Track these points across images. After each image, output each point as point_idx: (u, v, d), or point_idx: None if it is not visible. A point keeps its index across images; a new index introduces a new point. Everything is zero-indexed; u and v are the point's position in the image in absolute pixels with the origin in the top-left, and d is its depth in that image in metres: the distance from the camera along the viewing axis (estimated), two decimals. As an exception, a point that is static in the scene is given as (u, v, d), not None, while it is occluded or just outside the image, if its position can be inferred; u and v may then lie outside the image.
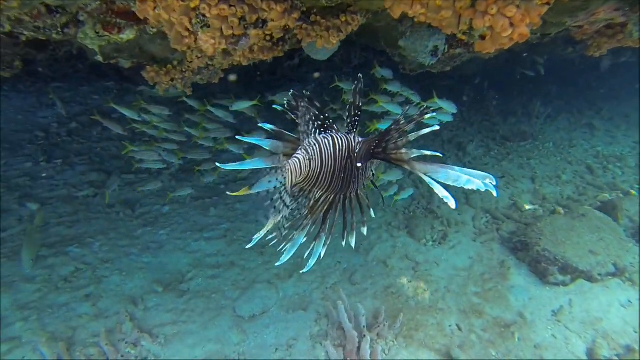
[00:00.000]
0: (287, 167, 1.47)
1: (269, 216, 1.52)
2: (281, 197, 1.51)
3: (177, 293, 3.64)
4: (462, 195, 5.05)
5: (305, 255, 1.61)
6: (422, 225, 4.50)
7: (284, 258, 1.60)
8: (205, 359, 3.06)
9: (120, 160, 5.34)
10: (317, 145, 1.54)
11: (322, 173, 1.57)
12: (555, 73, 8.19)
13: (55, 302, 3.39)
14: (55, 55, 4.83)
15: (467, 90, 7.87)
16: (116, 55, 2.80)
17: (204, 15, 1.89)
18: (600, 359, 3.06)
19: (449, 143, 6.63)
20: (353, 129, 1.67)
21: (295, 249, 1.63)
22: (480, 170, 1.26)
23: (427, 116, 1.39)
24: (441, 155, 1.32)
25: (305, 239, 1.65)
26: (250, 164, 1.49)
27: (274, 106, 1.68)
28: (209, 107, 4.47)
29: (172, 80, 2.97)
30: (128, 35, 2.44)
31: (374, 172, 1.75)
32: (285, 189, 1.50)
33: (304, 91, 1.59)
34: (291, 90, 1.59)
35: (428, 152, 1.32)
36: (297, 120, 1.56)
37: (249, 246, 1.59)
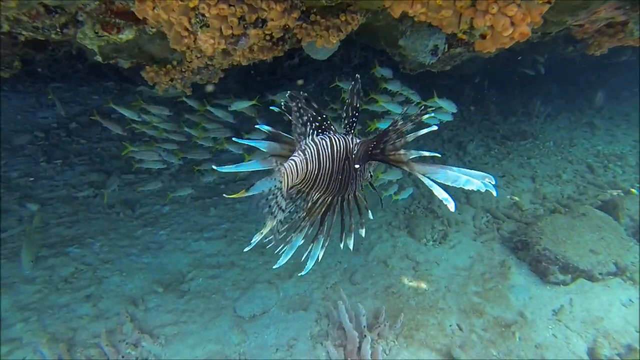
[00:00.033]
0: (282, 171, 1.46)
1: (265, 219, 1.51)
2: (276, 201, 1.50)
3: (178, 293, 3.63)
4: (462, 194, 5.04)
5: (303, 258, 1.60)
6: (422, 224, 4.49)
7: (282, 261, 1.59)
8: (206, 359, 3.06)
9: (120, 161, 5.34)
10: (314, 147, 1.53)
11: (319, 175, 1.56)
12: (556, 72, 8.18)
13: (55, 303, 3.39)
14: (55, 56, 4.82)
15: (467, 90, 7.86)
16: (115, 55, 2.80)
17: (203, 15, 1.89)
18: (601, 358, 3.05)
19: (449, 142, 6.62)
20: (351, 130, 1.66)
21: (293, 252, 1.62)
22: (480, 170, 1.25)
23: (425, 116, 1.38)
24: (440, 156, 1.32)
25: (303, 241, 1.64)
26: (246, 167, 1.48)
27: (271, 107, 1.67)
28: (208, 107, 4.47)
29: (171, 80, 2.96)
30: (127, 35, 2.43)
31: (372, 173, 1.74)
32: (280, 192, 1.49)
33: (301, 92, 1.58)
34: (288, 92, 1.58)
35: (427, 153, 1.31)
36: (293, 122, 1.54)
37: (247, 249, 1.59)
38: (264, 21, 2.04)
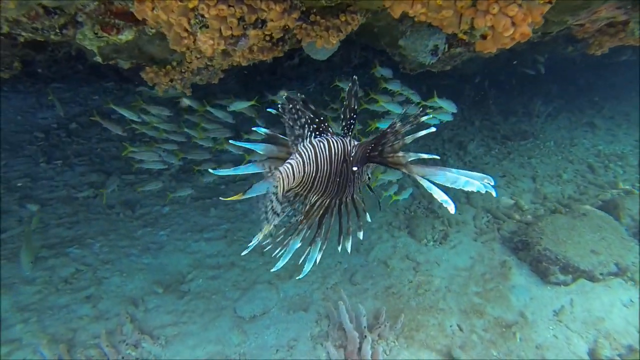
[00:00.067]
0: (277, 175, 1.45)
1: (261, 223, 1.50)
2: (272, 205, 1.49)
3: (178, 294, 3.63)
4: (462, 194, 5.03)
5: (301, 261, 1.59)
6: (422, 225, 4.48)
7: (280, 264, 1.59)
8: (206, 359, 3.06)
9: (120, 161, 5.33)
10: (312, 149, 1.52)
11: (317, 177, 1.55)
12: (556, 72, 8.16)
13: (55, 303, 3.39)
14: (55, 56, 4.82)
15: (467, 90, 7.85)
16: (115, 56, 2.79)
17: (202, 16, 1.88)
18: (602, 359, 3.05)
19: (450, 142, 6.61)
20: (349, 132, 1.65)
21: (290, 255, 1.61)
22: (481, 169, 1.25)
23: (424, 118, 1.37)
24: (438, 158, 1.31)
25: (300, 244, 1.63)
26: (243, 170, 1.47)
27: (267, 109, 1.66)
28: (208, 108, 4.46)
29: (171, 80, 2.95)
30: (127, 36, 2.43)
31: (369, 175, 1.73)
32: (276, 196, 1.47)
33: (298, 94, 1.57)
34: (285, 93, 1.57)
35: (426, 155, 1.30)
36: (287, 124, 1.53)
37: (244, 253, 1.58)
38: (264, 22, 2.04)
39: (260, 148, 1.57)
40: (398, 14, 2.02)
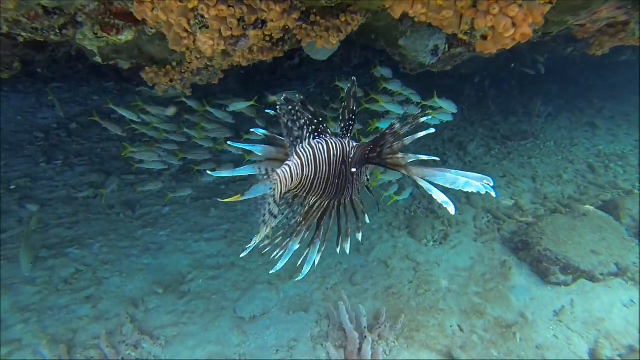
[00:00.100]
0: (274, 177, 1.44)
1: (259, 226, 1.50)
2: (269, 208, 1.48)
3: (178, 294, 3.63)
4: (463, 194, 5.03)
5: (299, 263, 1.59)
6: (422, 225, 4.48)
7: (278, 266, 1.58)
8: (206, 360, 3.06)
9: (120, 161, 5.33)
10: (310, 151, 1.51)
11: (316, 179, 1.54)
12: (556, 72, 8.16)
13: (55, 304, 3.38)
14: (55, 56, 4.82)
15: (467, 90, 7.85)
16: (115, 56, 2.79)
17: (202, 16, 1.88)
18: (603, 359, 3.04)
19: (450, 142, 6.61)
20: (347, 133, 1.64)
21: (289, 257, 1.60)
22: (481, 170, 1.25)
23: (422, 119, 1.37)
24: (438, 159, 1.30)
25: (299, 246, 1.63)
26: (241, 172, 1.47)
27: (266, 110, 1.66)
28: (208, 108, 4.46)
29: (171, 81, 2.95)
30: (126, 36, 2.42)
31: (368, 177, 1.72)
32: (273, 199, 1.46)
33: (297, 95, 1.57)
34: (283, 95, 1.57)
35: (425, 157, 1.29)
36: (290, 125, 1.53)
37: (242, 255, 1.57)
38: (264, 22, 2.03)
39: (258, 149, 1.56)
40: (398, 15, 2.01)
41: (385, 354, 3.06)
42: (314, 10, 2.36)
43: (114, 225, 4.42)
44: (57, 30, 2.33)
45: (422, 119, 1.36)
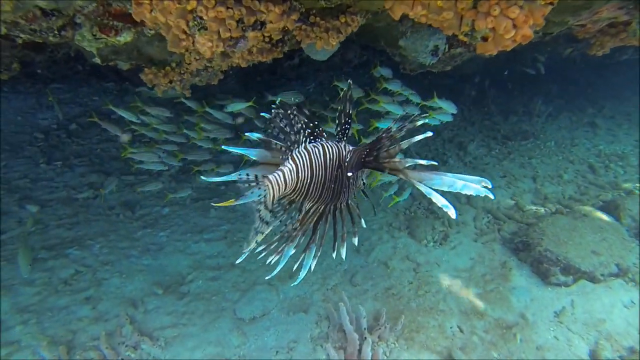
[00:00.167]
0: (266, 183, 1.42)
1: (253, 234, 1.49)
2: (260, 215, 1.46)
3: (177, 295, 3.62)
4: (463, 195, 5.01)
5: (295, 268, 1.58)
6: (423, 225, 4.47)
7: (274, 272, 1.57)
8: (206, 361, 3.05)
9: (120, 162, 5.33)
10: (306, 155, 1.49)
11: (312, 184, 1.53)
12: (556, 71, 8.14)
13: (55, 305, 3.38)
14: (54, 57, 4.81)
15: (467, 89, 7.83)
16: (114, 57, 2.78)
17: (200, 18, 1.87)
18: (603, 360, 3.04)
19: (450, 142, 6.60)
20: (343, 137, 1.63)
21: (285, 262, 1.59)
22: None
23: (419, 122, 1.36)
24: (436, 164, 1.29)
25: (294, 251, 1.61)
26: (234, 177, 1.46)
27: (261, 114, 1.65)
28: (207, 109, 4.45)
29: (170, 82, 2.94)
30: (125, 37, 2.42)
31: (364, 181, 1.71)
32: (264, 204, 1.45)
33: (292, 98, 1.57)
34: (278, 99, 1.56)
35: (423, 161, 1.28)
36: (288, 130, 1.52)
37: (238, 261, 1.56)
38: (263, 23, 2.03)
39: (253, 153, 1.55)
40: (398, 16, 2.00)
41: (385, 355, 3.06)
42: (314, 11, 2.35)
43: (114, 226, 4.41)
44: (56, 32, 2.32)
45: (419, 123, 1.35)
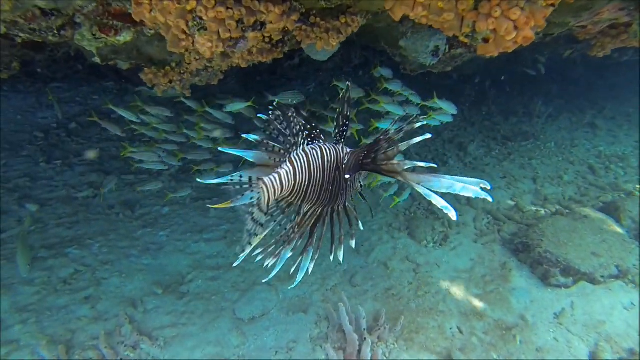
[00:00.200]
0: (261, 185, 1.41)
1: (248, 238, 1.48)
2: (253, 217, 1.45)
3: (177, 295, 3.62)
4: (463, 196, 5.01)
5: (292, 271, 1.57)
6: (422, 226, 4.47)
7: (271, 275, 1.57)
8: (205, 362, 3.05)
9: (120, 161, 5.32)
10: (304, 158, 1.49)
11: (310, 186, 1.52)
12: (557, 72, 8.13)
13: (54, 304, 3.38)
14: (54, 56, 4.81)
15: (467, 90, 7.83)
16: (114, 57, 2.78)
17: (200, 18, 1.86)
18: (603, 362, 3.04)
19: (450, 143, 6.59)
20: (341, 139, 1.62)
21: (282, 265, 1.58)
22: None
23: (417, 124, 1.35)
24: (435, 166, 1.29)
25: (291, 254, 1.60)
26: (230, 179, 1.45)
27: (258, 115, 1.64)
28: (207, 109, 4.45)
29: (170, 82, 2.94)
30: (125, 37, 2.41)
31: (362, 183, 1.70)
32: (258, 207, 1.44)
33: (290, 100, 1.57)
34: (275, 100, 1.55)
35: (422, 164, 1.26)
36: (283, 131, 1.51)
37: (235, 264, 1.56)
38: (263, 24, 2.02)
39: (250, 155, 1.55)
40: (399, 17, 2.00)
41: (385, 356, 3.05)
42: (314, 12, 2.34)
43: (114, 226, 4.41)
44: (55, 31, 2.32)
45: (417, 125, 1.34)
